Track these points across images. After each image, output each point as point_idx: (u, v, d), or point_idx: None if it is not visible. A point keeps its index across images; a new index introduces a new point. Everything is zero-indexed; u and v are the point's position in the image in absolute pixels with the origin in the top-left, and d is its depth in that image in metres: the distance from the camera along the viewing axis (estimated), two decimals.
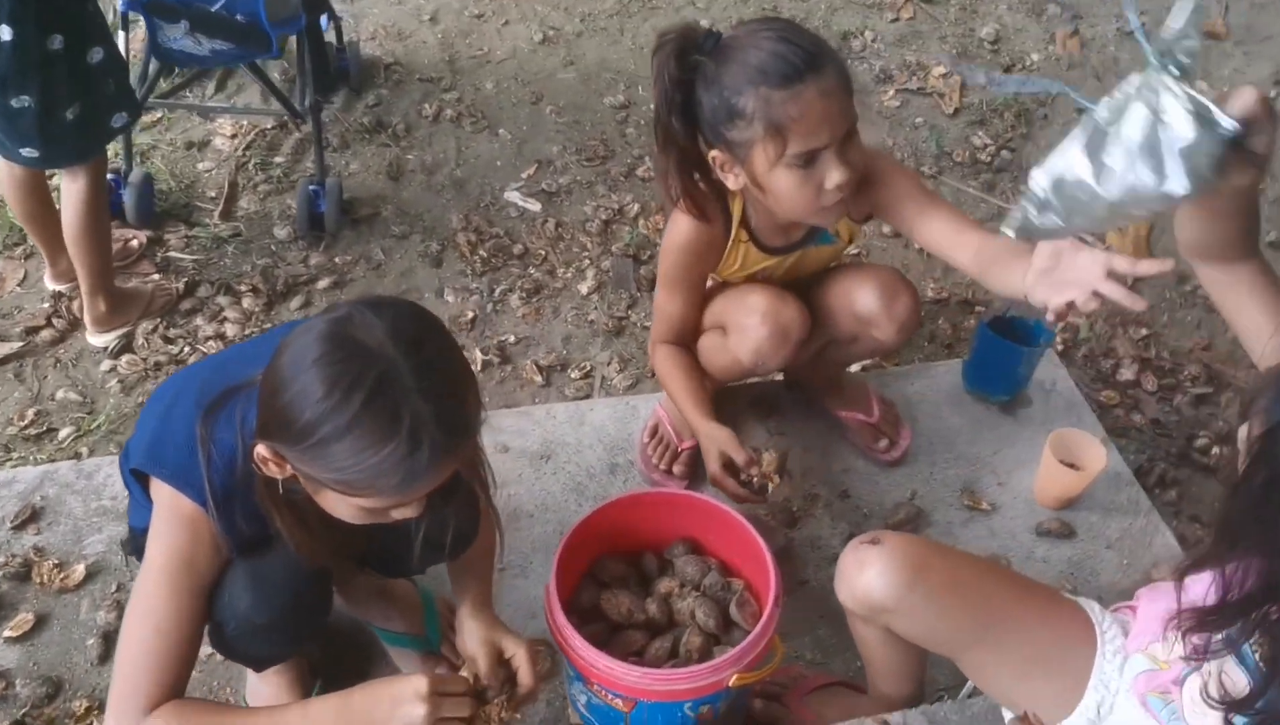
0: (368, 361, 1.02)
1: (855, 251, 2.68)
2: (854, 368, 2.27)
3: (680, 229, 1.66)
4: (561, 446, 1.99)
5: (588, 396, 2.30)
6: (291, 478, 1.12)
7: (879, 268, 1.76)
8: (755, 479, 1.64)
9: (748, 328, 1.67)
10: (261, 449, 1.08)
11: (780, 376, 2.14)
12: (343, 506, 1.12)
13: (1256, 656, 1.04)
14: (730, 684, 1.37)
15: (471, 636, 1.34)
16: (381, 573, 1.46)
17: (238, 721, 1.22)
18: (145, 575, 1.19)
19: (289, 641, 1.37)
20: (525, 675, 1.31)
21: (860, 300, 1.69)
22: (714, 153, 1.52)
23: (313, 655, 1.61)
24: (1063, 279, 1.30)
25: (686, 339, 1.82)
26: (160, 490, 1.19)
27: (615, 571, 1.58)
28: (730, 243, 1.69)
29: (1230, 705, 1.04)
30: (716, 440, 1.68)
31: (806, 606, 1.78)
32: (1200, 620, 1.02)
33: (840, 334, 1.77)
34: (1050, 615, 1.32)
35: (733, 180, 1.54)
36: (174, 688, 1.18)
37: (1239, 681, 1.05)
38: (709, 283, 1.79)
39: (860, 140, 1.53)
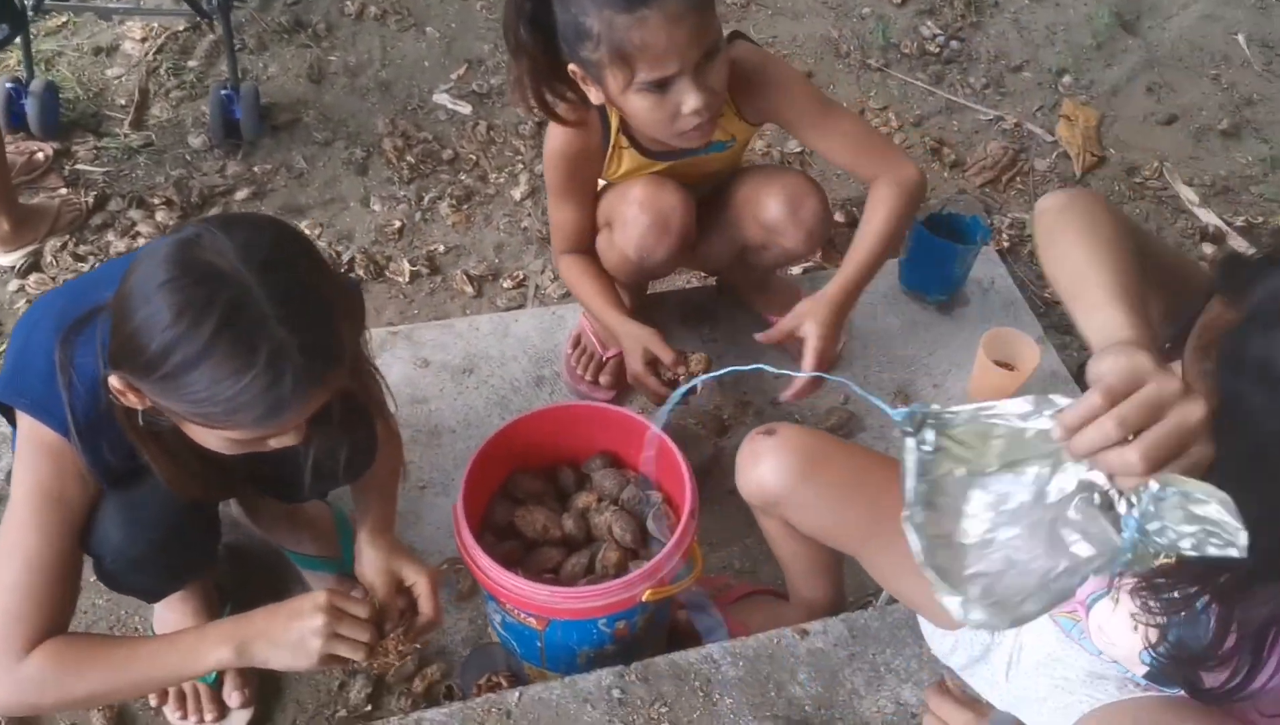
0: (218, 286, 0.94)
1: (800, 151, 2.59)
2: (796, 270, 2.21)
3: (555, 137, 1.59)
4: (485, 359, 1.92)
5: (521, 306, 2.22)
6: (152, 408, 1.05)
7: (785, 173, 1.67)
8: (682, 378, 1.60)
9: (628, 219, 1.60)
10: (114, 380, 1.01)
11: (713, 281, 2.07)
12: (211, 438, 1.05)
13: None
14: (644, 599, 1.33)
15: (369, 564, 1.29)
16: (278, 498, 1.40)
17: (124, 652, 1.15)
18: (11, 511, 1.13)
19: (171, 575, 1.32)
20: (425, 605, 1.26)
21: (765, 209, 1.62)
22: (572, 66, 1.43)
23: (221, 580, 1.57)
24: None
25: (587, 246, 1.75)
26: (22, 421, 1.12)
27: (530, 487, 1.53)
28: (610, 149, 1.61)
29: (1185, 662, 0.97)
30: (640, 338, 1.63)
31: (735, 516, 1.74)
32: (1149, 583, 0.94)
33: (750, 242, 1.70)
34: None
35: (594, 95, 1.45)
36: (52, 626, 1.13)
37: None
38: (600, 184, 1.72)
39: (730, 53, 1.44)
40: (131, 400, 1.03)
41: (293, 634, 1.13)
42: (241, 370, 0.94)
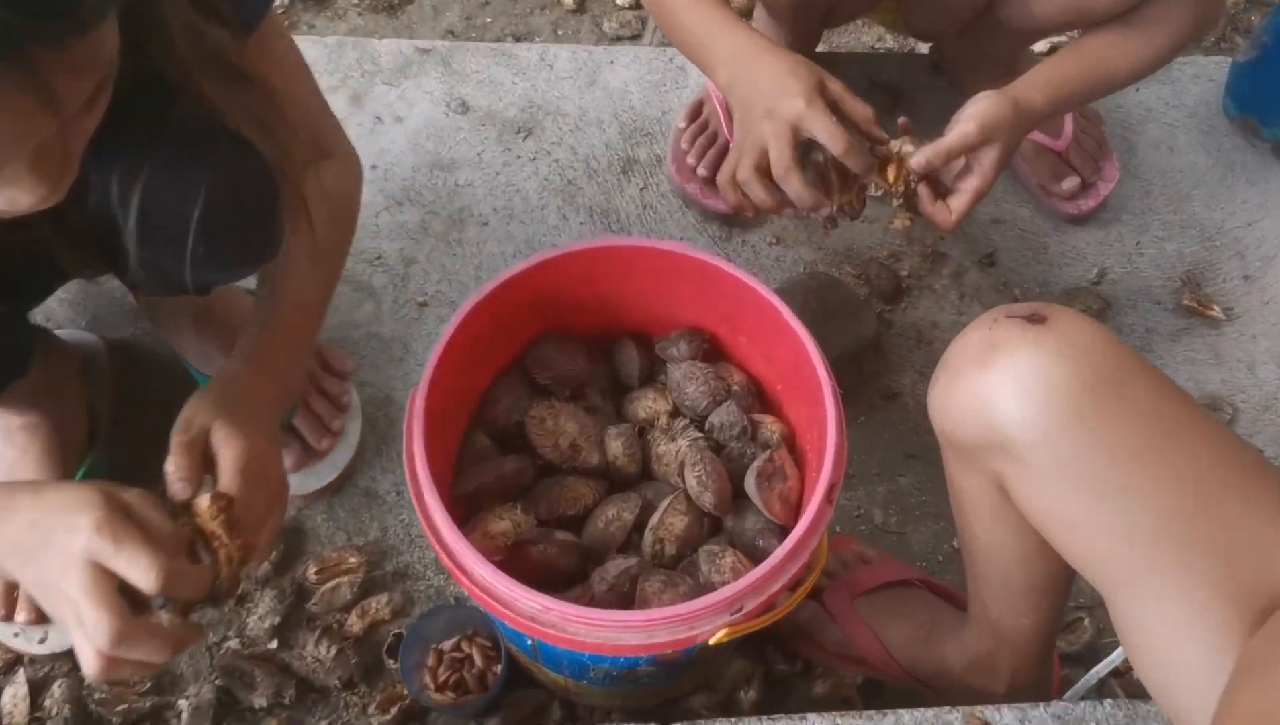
0: None
1: None
2: (1042, 46, 1.45)
3: None
4: (555, 116, 1.27)
5: (636, 38, 1.53)
6: None
7: None
8: (875, 181, 0.93)
9: None
10: None
11: (925, 49, 1.35)
12: None
13: None
14: (711, 642, 0.74)
15: (184, 415, 0.73)
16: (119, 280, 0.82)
17: None
18: None
19: None
20: (226, 478, 0.70)
21: None
22: None
23: (98, 400, 1.04)
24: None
25: None
26: None
27: (564, 367, 0.91)
28: None
29: None
30: (798, 75, 0.90)
31: (890, 435, 1.12)
32: None
33: None
34: None
35: None
36: None
37: None
38: None
39: None
40: None
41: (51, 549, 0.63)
42: None
